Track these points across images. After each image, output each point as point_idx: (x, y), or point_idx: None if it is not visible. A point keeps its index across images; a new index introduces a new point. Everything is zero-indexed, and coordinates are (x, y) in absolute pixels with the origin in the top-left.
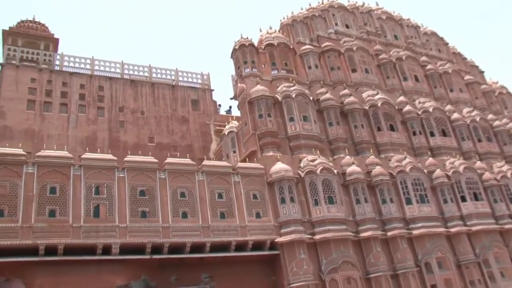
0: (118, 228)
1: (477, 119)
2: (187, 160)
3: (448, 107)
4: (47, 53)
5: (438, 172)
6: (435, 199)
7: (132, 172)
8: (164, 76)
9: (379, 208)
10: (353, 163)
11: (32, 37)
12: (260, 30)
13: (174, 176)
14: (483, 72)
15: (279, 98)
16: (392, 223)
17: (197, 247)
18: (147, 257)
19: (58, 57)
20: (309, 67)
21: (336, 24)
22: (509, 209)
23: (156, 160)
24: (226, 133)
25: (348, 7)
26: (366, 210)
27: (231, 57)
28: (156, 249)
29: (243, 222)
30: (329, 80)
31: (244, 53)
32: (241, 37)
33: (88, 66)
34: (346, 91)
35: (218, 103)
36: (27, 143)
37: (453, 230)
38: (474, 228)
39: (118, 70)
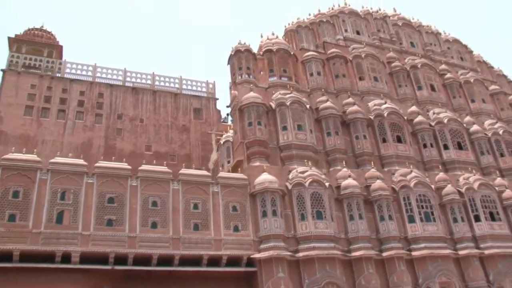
0: (80, 236)
1: (500, 131)
2: (162, 168)
3: (468, 118)
4: (50, 60)
5: (448, 188)
6: (444, 217)
7: (102, 178)
8: (167, 84)
9: (376, 225)
10: (349, 176)
11: (36, 45)
12: (261, 36)
13: (146, 184)
14: (511, 82)
15: (273, 106)
16: (389, 243)
17: (166, 260)
18: (109, 267)
19: (60, 64)
20: (311, 74)
21: (346, 31)
22: None
23: (128, 167)
24: (222, 142)
25: (360, 13)
26: (359, 227)
27: (228, 63)
28: (121, 259)
29: (218, 235)
30: (333, 88)
31: (239, 59)
32: (239, 43)
33: (90, 73)
34: (350, 99)
35: (226, 112)
36: (21, 148)
37: (462, 252)
38: (488, 252)
39: (120, 78)
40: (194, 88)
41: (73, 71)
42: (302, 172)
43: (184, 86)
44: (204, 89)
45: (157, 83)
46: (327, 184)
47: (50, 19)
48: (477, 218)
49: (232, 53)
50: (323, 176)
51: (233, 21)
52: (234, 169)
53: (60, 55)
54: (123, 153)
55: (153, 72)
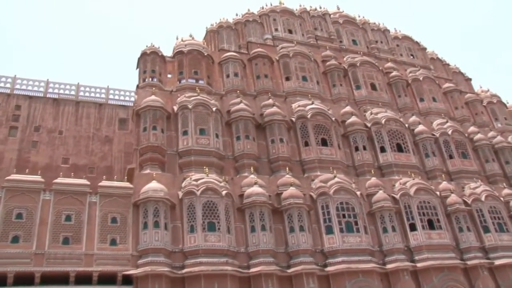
0: None
1: (449, 131)
2: (33, 177)
3: (413, 118)
4: None
5: (380, 194)
6: (373, 227)
7: None
8: (93, 94)
9: (285, 238)
10: (255, 183)
11: None
12: (177, 38)
13: (12, 195)
14: (470, 79)
15: (176, 110)
16: (298, 257)
17: (26, 278)
18: None
19: None
20: (227, 76)
21: (276, 30)
22: None
23: None
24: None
25: (296, 11)
26: (260, 240)
27: (137, 67)
28: None
29: (90, 250)
30: (253, 90)
31: (145, 62)
32: (147, 46)
33: (8, 85)
34: (269, 101)
35: None
36: None
37: (391, 266)
38: (422, 264)
39: (42, 89)
40: (122, 97)
41: None
42: (196, 180)
43: (111, 96)
44: (132, 98)
45: (81, 93)
46: (224, 192)
47: None
48: (413, 227)
49: (139, 57)
50: (222, 184)
51: (169, 27)
52: (128, 178)
53: None
54: (37, 167)
55: (78, 83)
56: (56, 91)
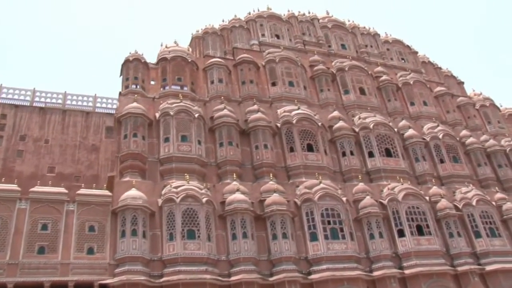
0: None
1: (440, 135)
2: (8, 186)
3: (403, 122)
4: None
5: (367, 200)
6: (360, 234)
7: None
8: (80, 102)
9: (268, 245)
10: (237, 189)
11: None
12: (161, 45)
13: None
14: (462, 82)
15: (158, 116)
16: (281, 265)
17: None
18: None
19: None
20: (212, 82)
21: (263, 35)
22: None
23: None
24: None
25: (283, 17)
26: (242, 248)
27: (120, 75)
28: None
29: (66, 259)
30: (238, 96)
31: (127, 69)
32: (130, 53)
33: None
34: (253, 107)
35: None
36: None
37: (378, 273)
38: (410, 271)
39: (28, 98)
40: (110, 105)
41: None
42: (177, 187)
43: (98, 104)
44: None
45: (68, 102)
46: (204, 199)
47: None
48: (401, 233)
49: (122, 64)
50: (203, 191)
51: (157, 34)
52: (108, 186)
53: None
54: (22, 176)
55: (65, 91)
56: (42, 99)
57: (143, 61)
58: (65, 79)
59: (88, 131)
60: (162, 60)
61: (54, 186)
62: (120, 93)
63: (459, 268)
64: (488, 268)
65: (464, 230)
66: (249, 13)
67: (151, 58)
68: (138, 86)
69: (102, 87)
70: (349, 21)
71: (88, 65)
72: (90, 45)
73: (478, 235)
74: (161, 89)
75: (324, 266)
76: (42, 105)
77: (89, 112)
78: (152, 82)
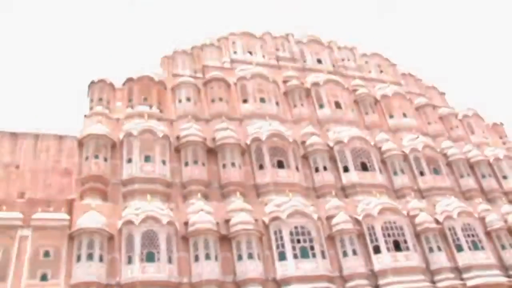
0: None
1: (420, 147)
2: None
3: (381, 135)
4: None
5: (340, 216)
6: (333, 252)
7: None
8: (53, 125)
9: (233, 266)
10: (201, 209)
11: None
12: (129, 66)
13: None
14: (443, 93)
15: (121, 137)
16: (246, 286)
17: None
18: None
19: None
20: (179, 101)
21: (235, 52)
22: None
23: None
24: None
25: (257, 34)
26: (204, 270)
27: (88, 96)
28: None
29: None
30: (207, 114)
31: (93, 91)
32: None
33: None
34: (222, 124)
35: None
36: None
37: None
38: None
39: None
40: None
41: None
42: (137, 208)
43: (73, 126)
44: None
45: (41, 125)
46: (165, 220)
47: None
48: (377, 250)
49: (88, 85)
50: (164, 212)
51: (129, 56)
52: (68, 209)
53: None
54: None
55: (37, 115)
56: (14, 124)
57: (108, 82)
58: (38, 103)
59: (61, 155)
60: (128, 80)
61: (24, 211)
62: (85, 115)
63: (440, 284)
64: (470, 283)
65: (446, 244)
66: (222, 31)
67: (120, 80)
68: (103, 107)
69: (78, 109)
70: (332, 37)
71: (61, 88)
72: (64, 69)
73: (460, 248)
74: (127, 109)
75: (293, 286)
76: (13, 130)
77: (62, 136)
78: (119, 103)
